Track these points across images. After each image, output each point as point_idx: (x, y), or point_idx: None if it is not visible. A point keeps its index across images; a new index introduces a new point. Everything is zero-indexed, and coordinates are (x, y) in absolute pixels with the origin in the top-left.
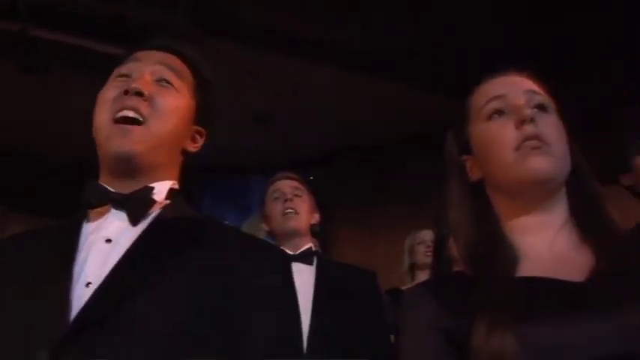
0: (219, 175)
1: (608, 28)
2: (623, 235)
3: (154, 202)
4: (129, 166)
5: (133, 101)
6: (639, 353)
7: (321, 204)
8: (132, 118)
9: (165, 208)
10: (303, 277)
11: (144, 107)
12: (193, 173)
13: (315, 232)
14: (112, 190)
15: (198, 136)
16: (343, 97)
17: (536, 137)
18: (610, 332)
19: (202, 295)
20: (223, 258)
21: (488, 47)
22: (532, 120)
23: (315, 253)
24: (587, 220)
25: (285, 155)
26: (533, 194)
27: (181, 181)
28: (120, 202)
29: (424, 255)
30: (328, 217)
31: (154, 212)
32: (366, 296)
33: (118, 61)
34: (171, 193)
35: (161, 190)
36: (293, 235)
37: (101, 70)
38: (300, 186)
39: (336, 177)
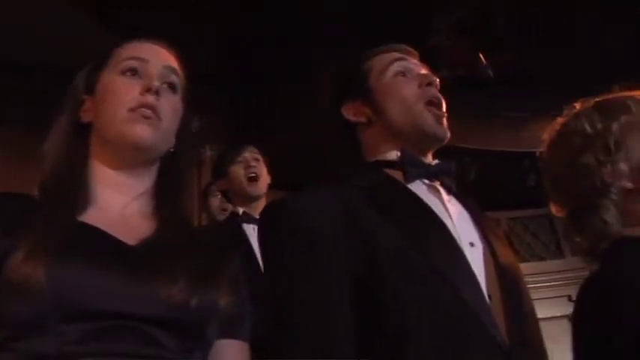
0: None
1: None
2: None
3: None
4: None
5: None
6: (161, 317)
7: None
8: None
9: None
10: None
11: None
12: None
13: None
14: None
15: None
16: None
17: (152, 108)
18: (134, 293)
19: None
20: None
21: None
22: (157, 92)
23: None
24: (164, 196)
25: None
26: (126, 156)
27: None
28: None
29: None
30: None
31: None
32: None
33: None
34: None
35: None
36: None
37: None
38: None
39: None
